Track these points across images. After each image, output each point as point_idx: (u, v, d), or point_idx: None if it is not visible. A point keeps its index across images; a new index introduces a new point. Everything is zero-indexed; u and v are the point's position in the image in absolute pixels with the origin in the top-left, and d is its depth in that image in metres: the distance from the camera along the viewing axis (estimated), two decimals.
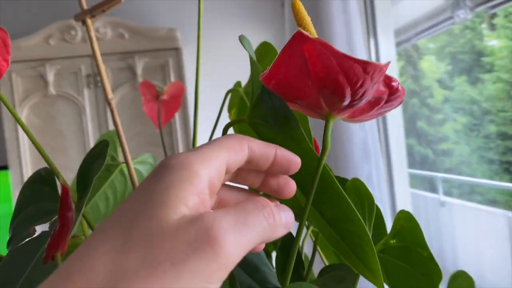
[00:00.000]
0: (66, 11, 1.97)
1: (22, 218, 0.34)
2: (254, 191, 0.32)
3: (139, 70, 2.00)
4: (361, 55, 1.20)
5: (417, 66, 2.57)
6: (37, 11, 2.12)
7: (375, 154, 1.20)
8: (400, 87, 0.30)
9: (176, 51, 2.00)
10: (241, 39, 0.33)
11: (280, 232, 0.23)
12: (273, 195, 0.31)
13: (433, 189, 2.39)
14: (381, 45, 1.52)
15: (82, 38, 1.96)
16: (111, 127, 2.01)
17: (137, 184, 0.53)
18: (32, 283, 0.30)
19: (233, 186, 0.30)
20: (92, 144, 1.99)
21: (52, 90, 1.97)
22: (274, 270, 0.42)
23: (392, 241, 0.37)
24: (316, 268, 0.48)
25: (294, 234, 0.36)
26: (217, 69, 2.18)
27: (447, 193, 2.30)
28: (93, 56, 0.57)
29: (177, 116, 1.99)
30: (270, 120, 0.34)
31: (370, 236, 0.40)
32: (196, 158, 0.23)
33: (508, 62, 1.93)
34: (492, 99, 2.02)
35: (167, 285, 0.18)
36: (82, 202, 0.29)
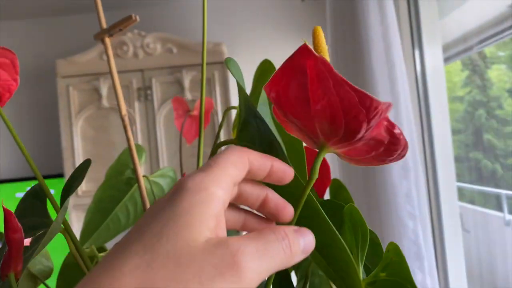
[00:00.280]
0: None
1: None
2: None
3: (186, 84, 2.06)
4: (400, 68, 1.16)
5: (484, 76, 2.44)
6: (92, 28, 2.25)
7: (415, 170, 1.15)
8: (402, 137, 0.27)
9: (222, 64, 2.04)
10: (227, 62, 0.33)
11: (298, 259, 0.25)
12: (272, 218, 0.31)
13: (499, 207, 2.24)
14: (427, 56, 1.46)
15: (133, 53, 2.06)
16: (160, 138, 2.08)
17: (146, 199, 0.55)
18: None
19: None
20: None
21: (105, 103, 2.07)
22: None
23: (382, 274, 0.35)
24: None
25: None
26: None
27: None
28: (109, 72, 0.59)
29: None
30: (257, 143, 0.34)
31: (362, 263, 0.38)
32: (211, 179, 0.24)
33: None
34: None
35: None
36: (58, 219, 0.30)
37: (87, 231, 0.65)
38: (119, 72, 2.04)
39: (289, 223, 0.32)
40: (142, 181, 0.55)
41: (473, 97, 2.36)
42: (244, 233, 0.28)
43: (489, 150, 2.37)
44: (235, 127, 0.55)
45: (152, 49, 2.06)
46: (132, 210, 0.68)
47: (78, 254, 0.37)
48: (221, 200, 0.24)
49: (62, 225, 0.36)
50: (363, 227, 0.38)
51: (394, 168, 1.14)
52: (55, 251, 0.66)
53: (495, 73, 2.43)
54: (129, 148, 0.56)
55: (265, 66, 0.47)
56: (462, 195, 2.46)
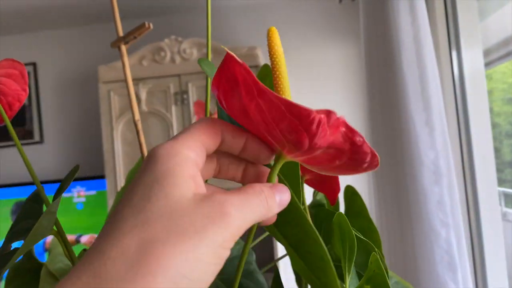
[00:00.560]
0: (157, 34, 2.14)
1: (13, 232, 0.38)
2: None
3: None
4: (433, 70, 1.11)
5: None
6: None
7: (448, 176, 1.10)
8: (364, 145, 0.25)
9: (256, 68, 2.05)
10: (200, 61, 0.33)
11: (275, 211, 0.27)
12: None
13: None
14: (466, 59, 1.39)
15: (170, 58, 2.11)
16: None
17: None
18: None
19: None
20: None
21: (144, 107, 2.14)
22: None
23: (367, 286, 0.34)
24: None
25: None
26: (298, 84, 2.19)
27: None
28: (124, 80, 0.61)
29: None
30: None
31: (350, 273, 0.37)
32: (181, 144, 0.26)
33: None
34: None
35: (194, 249, 0.21)
36: (42, 221, 0.32)
37: None
38: (157, 77, 2.10)
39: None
40: None
41: None
42: None
43: None
44: None
45: (188, 54, 2.10)
46: None
47: (70, 257, 0.38)
48: (194, 162, 0.25)
49: (55, 228, 0.37)
50: (351, 236, 0.37)
51: (424, 173, 1.10)
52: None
53: None
54: (141, 152, 0.58)
55: (265, 71, 0.46)
56: None
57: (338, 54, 2.27)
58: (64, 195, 2.31)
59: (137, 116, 0.61)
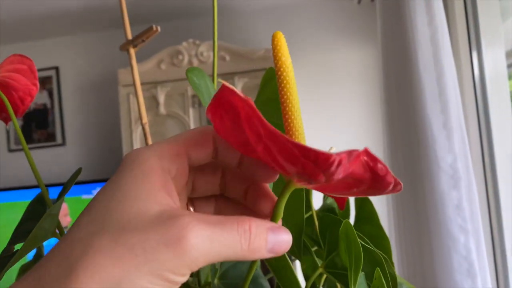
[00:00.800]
0: (175, 38, 2.16)
1: (17, 234, 0.38)
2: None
3: (238, 90, 2.09)
4: (451, 72, 1.08)
5: None
6: (151, 39, 2.36)
7: (468, 180, 1.07)
8: (388, 175, 0.22)
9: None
10: (187, 72, 0.33)
11: (260, 256, 0.23)
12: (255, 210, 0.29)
13: None
14: (487, 60, 1.35)
15: (188, 61, 2.13)
16: None
17: None
18: None
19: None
20: None
21: (162, 109, 2.16)
22: None
23: None
24: None
25: None
26: (315, 83, 2.18)
27: None
28: (133, 84, 0.61)
29: None
30: None
31: (355, 285, 0.36)
32: (153, 151, 0.24)
33: None
34: None
35: (137, 267, 0.20)
36: (42, 224, 0.32)
37: None
38: (175, 80, 2.12)
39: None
40: None
41: None
42: None
43: None
44: None
45: (206, 57, 2.12)
46: None
47: None
48: (164, 170, 0.24)
49: (57, 231, 0.38)
50: (357, 246, 0.36)
51: (442, 177, 1.07)
52: None
53: None
54: None
55: (270, 74, 0.46)
56: None
57: (356, 56, 2.24)
58: (85, 196, 2.35)
59: (145, 119, 0.62)
